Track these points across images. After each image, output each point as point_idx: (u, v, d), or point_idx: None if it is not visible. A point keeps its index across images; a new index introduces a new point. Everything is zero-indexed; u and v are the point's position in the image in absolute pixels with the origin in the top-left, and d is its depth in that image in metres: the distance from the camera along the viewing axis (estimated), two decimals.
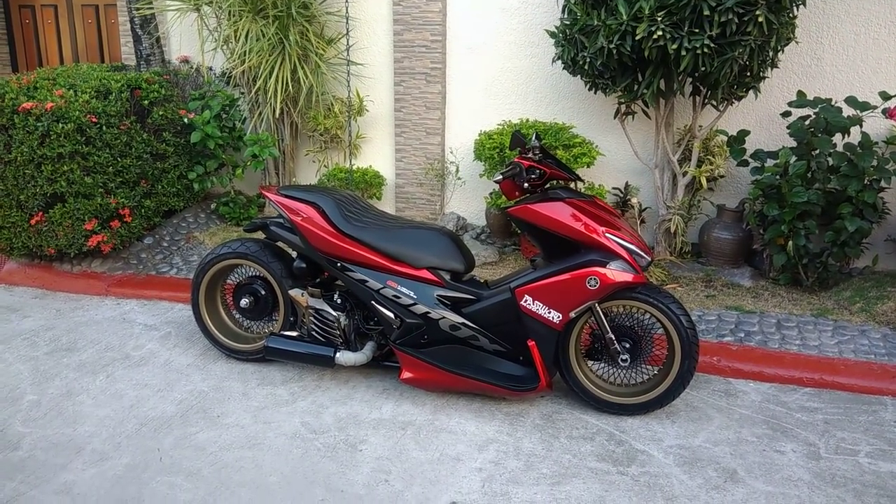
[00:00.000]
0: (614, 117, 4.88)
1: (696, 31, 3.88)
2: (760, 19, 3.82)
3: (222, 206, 5.77)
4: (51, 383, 3.56)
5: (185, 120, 5.34)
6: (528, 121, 5.29)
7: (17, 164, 4.57)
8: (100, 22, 6.86)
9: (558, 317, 3.16)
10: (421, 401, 3.43)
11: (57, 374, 3.65)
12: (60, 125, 4.50)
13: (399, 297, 3.34)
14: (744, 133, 4.69)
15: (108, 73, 5.16)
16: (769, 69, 4.35)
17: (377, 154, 5.90)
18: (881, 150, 4.39)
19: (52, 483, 2.79)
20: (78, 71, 5.20)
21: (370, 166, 5.87)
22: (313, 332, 3.57)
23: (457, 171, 5.67)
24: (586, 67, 4.35)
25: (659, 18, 3.87)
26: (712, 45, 3.89)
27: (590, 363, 3.43)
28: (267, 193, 3.65)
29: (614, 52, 4.09)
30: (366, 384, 3.59)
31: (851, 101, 4.38)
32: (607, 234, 3.10)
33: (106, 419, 3.24)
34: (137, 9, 5.50)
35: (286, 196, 3.56)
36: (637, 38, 3.94)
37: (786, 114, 4.57)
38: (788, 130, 4.43)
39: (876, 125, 4.56)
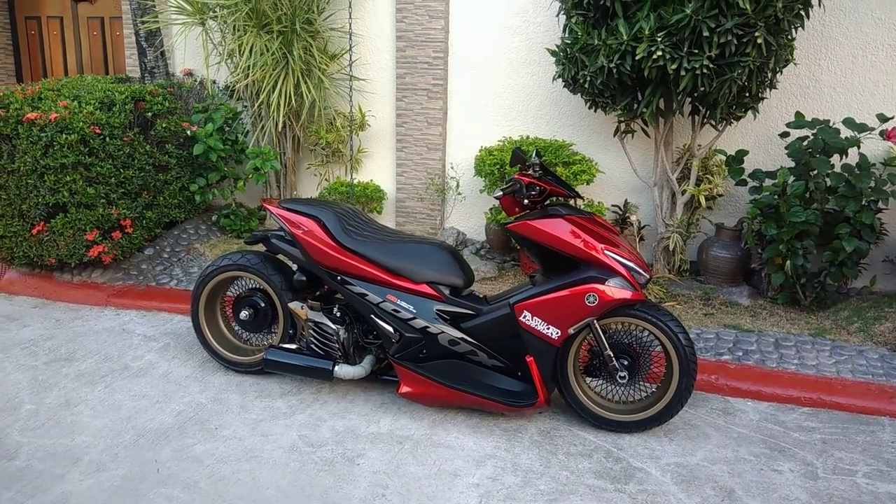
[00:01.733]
0: (614, 135, 4.92)
1: (696, 51, 3.92)
2: (759, 41, 3.86)
3: (223, 219, 5.79)
4: (49, 393, 3.56)
5: (188, 132, 5.37)
6: (528, 138, 5.33)
7: (20, 173, 4.60)
8: (105, 34, 6.92)
9: (557, 333, 3.17)
10: (419, 415, 3.44)
11: (55, 383, 3.66)
12: (64, 136, 4.53)
13: (398, 312, 3.35)
14: (742, 153, 4.73)
15: (113, 84, 5.20)
16: (768, 90, 4.40)
17: (378, 168, 5.93)
18: (879, 171, 4.42)
19: (49, 493, 2.78)
20: (82, 82, 5.24)
21: (371, 180, 5.90)
22: (312, 345, 3.58)
23: (457, 186, 5.70)
24: (587, 86, 4.39)
25: (659, 39, 3.91)
26: (711, 65, 3.93)
27: (588, 380, 3.43)
28: (268, 206, 3.67)
29: (614, 71, 4.13)
30: (364, 398, 3.59)
31: (849, 122, 4.42)
32: (606, 251, 3.12)
33: (104, 430, 3.24)
34: (143, 22, 5.56)
35: (287, 209, 3.58)
36: (637, 57, 3.98)
37: (784, 134, 4.61)
38: (787, 151, 4.47)
39: (873, 146, 4.60)
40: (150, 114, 5.13)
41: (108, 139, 4.75)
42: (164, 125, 5.20)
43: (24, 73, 7.31)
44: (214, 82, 5.95)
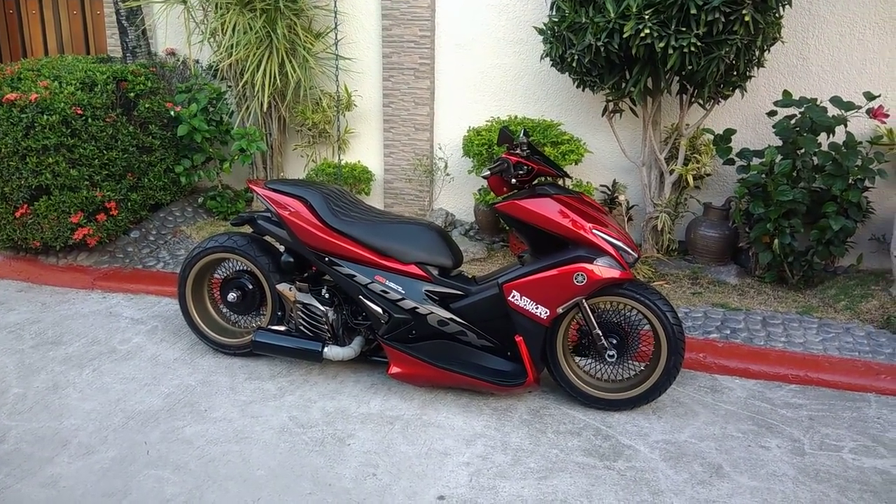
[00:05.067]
0: (602, 115, 4.90)
1: (683, 29, 3.90)
2: (747, 18, 3.84)
3: (209, 200, 5.74)
4: (37, 377, 3.53)
5: (172, 113, 5.30)
6: (516, 117, 5.30)
7: (1, 155, 4.52)
8: (85, 13, 6.79)
9: (546, 312, 3.17)
10: (409, 395, 3.44)
11: (43, 367, 3.63)
12: (45, 117, 4.46)
13: (387, 292, 3.35)
14: (730, 132, 4.73)
15: (94, 64, 5.12)
16: (755, 68, 4.39)
17: (365, 149, 5.89)
18: (865, 149, 4.44)
19: (38, 476, 2.77)
20: (63, 62, 5.15)
21: (358, 161, 5.86)
22: (301, 327, 3.57)
23: (445, 167, 5.67)
24: (574, 65, 4.37)
25: (646, 16, 3.89)
26: (699, 43, 3.91)
27: (577, 359, 3.44)
28: (254, 187, 3.64)
29: (602, 49, 4.10)
30: (354, 379, 3.59)
31: (836, 100, 4.42)
32: (594, 231, 3.12)
33: (92, 413, 3.22)
34: (124, 0, 5.46)
35: (274, 190, 3.55)
36: (625, 35, 3.95)
37: (772, 113, 4.60)
38: (774, 129, 4.47)
39: (860, 125, 4.61)
40: (132, 94, 5.05)
41: (90, 120, 4.68)
42: (147, 106, 5.13)
43: (2, 53, 7.17)
44: (197, 62, 5.86)
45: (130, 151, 5.01)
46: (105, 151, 4.81)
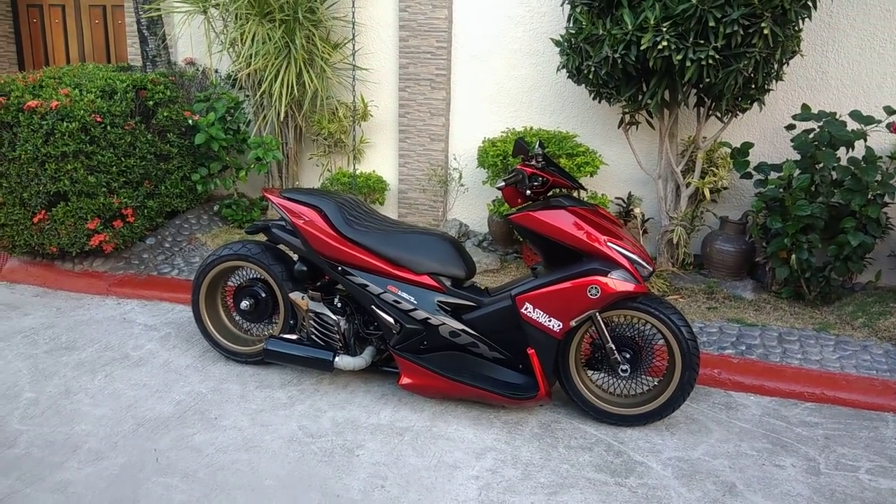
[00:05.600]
0: (618, 127, 4.88)
1: (702, 42, 3.88)
2: (766, 31, 3.82)
3: (225, 209, 5.77)
4: (49, 381, 3.55)
5: (190, 121, 5.35)
6: (531, 129, 5.29)
7: (20, 161, 4.58)
8: (107, 22, 6.89)
9: (559, 325, 3.15)
10: (419, 407, 3.42)
11: (56, 372, 3.65)
12: (65, 124, 4.51)
13: (399, 303, 3.34)
14: (748, 145, 4.69)
15: (114, 73, 5.17)
16: (774, 82, 4.35)
17: (381, 159, 5.90)
18: (885, 164, 4.38)
19: (48, 481, 2.78)
20: (84, 70, 5.21)
21: (373, 171, 5.88)
22: (313, 336, 3.57)
23: (460, 177, 5.67)
24: (591, 76, 4.35)
25: (664, 29, 3.87)
26: (717, 56, 3.89)
27: (590, 373, 3.41)
28: (269, 196, 3.65)
29: (619, 61, 4.09)
30: (364, 389, 3.58)
31: (856, 115, 4.38)
32: (609, 243, 3.09)
33: (103, 418, 3.23)
34: (145, 10, 5.52)
35: (288, 199, 3.56)
36: (642, 48, 3.94)
37: (790, 127, 4.57)
38: (792, 143, 4.43)
39: (880, 139, 4.55)
40: (151, 102, 5.10)
41: (109, 127, 4.73)
42: (165, 114, 5.18)
43: (25, 61, 7.28)
44: (216, 71, 5.91)
45: (148, 159, 5.05)
46: (123, 159, 4.85)
